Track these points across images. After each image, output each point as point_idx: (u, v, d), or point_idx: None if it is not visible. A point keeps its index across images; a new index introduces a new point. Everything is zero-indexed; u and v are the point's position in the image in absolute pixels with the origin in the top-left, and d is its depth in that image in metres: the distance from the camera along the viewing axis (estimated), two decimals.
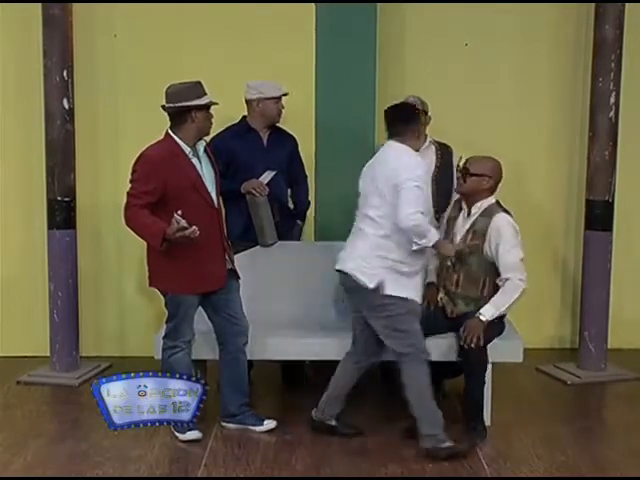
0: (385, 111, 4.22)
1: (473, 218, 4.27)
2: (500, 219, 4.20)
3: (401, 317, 4.02)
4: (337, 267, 4.17)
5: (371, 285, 3.98)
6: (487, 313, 4.15)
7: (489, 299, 4.21)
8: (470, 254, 4.23)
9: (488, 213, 4.23)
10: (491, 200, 4.29)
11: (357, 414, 4.57)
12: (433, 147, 4.95)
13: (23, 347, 5.63)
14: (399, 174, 3.94)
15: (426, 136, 4.89)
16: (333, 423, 4.30)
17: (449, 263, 4.31)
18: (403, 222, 3.90)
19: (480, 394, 4.23)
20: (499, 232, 4.16)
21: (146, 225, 3.95)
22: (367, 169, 4.20)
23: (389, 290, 3.98)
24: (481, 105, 5.58)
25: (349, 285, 4.12)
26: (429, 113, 4.88)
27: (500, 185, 4.34)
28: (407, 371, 4.04)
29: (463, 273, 4.27)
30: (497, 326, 4.25)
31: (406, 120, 4.15)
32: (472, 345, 4.11)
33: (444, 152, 4.96)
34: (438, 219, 4.99)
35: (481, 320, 4.14)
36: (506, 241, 4.16)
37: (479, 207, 4.27)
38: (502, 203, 4.32)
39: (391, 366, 4.23)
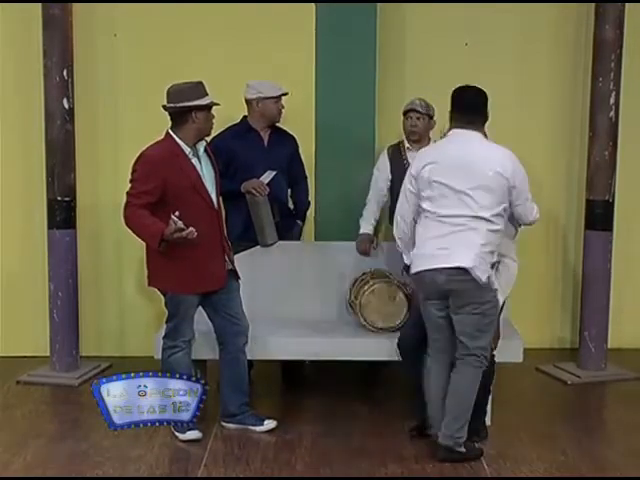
0: (459, 94, 3.99)
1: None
2: None
3: (494, 314, 3.96)
4: (443, 265, 3.85)
5: (484, 279, 3.83)
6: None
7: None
8: None
9: None
10: None
11: (357, 414, 4.58)
12: None
13: (23, 347, 5.63)
14: (512, 171, 3.85)
15: (429, 139, 4.89)
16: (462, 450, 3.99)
17: None
18: (535, 217, 3.98)
19: (485, 398, 4.20)
20: None
21: (145, 225, 3.94)
22: (449, 161, 3.88)
23: (495, 285, 3.92)
24: None
25: (456, 281, 3.84)
26: (434, 117, 4.87)
27: None
28: (466, 370, 3.92)
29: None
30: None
31: (484, 105, 3.97)
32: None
33: None
34: None
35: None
36: None
37: None
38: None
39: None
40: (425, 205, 3.94)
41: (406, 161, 4.84)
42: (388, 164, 4.91)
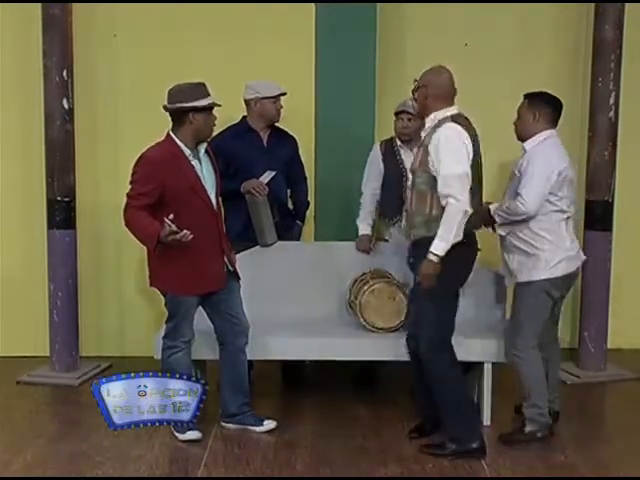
0: (557, 100, 4.27)
1: (424, 133, 4.01)
2: (443, 129, 3.87)
3: None
4: (583, 259, 4.29)
5: None
6: (436, 248, 3.78)
7: (440, 219, 3.83)
8: (418, 171, 3.96)
9: (437, 125, 3.92)
10: (447, 112, 3.95)
11: (357, 414, 4.58)
12: None
13: (23, 347, 5.63)
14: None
15: (420, 138, 4.88)
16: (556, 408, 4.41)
17: (409, 183, 4.13)
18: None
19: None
20: (439, 142, 3.83)
21: (142, 226, 3.94)
22: (567, 159, 4.18)
23: None
24: (481, 105, 5.56)
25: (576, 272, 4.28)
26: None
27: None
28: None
29: (415, 191, 3.98)
30: (456, 255, 3.83)
31: None
32: (426, 287, 3.86)
33: None
34: None
35: (430, 259, 3.79)
36: (442, 151, 3.81)
37: (433, 120, 3.97)
38: (462, 114, 3.99)
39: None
40: (562, 205, 4.11)
41: (399, 157, 4.88)
42: (381, 158, 4.92)
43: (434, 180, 3.86)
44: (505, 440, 4.18)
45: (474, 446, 4.00)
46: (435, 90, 3.97)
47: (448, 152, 3.81)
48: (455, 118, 3.92)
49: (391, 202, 4.89)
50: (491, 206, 4.23)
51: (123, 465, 3.93)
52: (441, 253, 3.78)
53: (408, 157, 4.85)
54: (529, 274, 4.13)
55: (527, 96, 4.33)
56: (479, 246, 4.09)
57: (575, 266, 4.20)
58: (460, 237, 3.80)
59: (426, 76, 4.04)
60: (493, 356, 4.40)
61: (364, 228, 4.94)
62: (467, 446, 3.99)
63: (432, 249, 3.79)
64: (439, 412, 4.08)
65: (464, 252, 3.90)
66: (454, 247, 3.80)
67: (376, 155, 4.94)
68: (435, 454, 4.01)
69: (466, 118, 3.99)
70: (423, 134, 4.02)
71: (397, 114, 4.85)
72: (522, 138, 4.28)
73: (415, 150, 4.15)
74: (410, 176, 4.11)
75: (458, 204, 3.77)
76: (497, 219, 4.19)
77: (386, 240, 4.95)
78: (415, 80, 4.09)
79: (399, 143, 4.89)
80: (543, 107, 4.22)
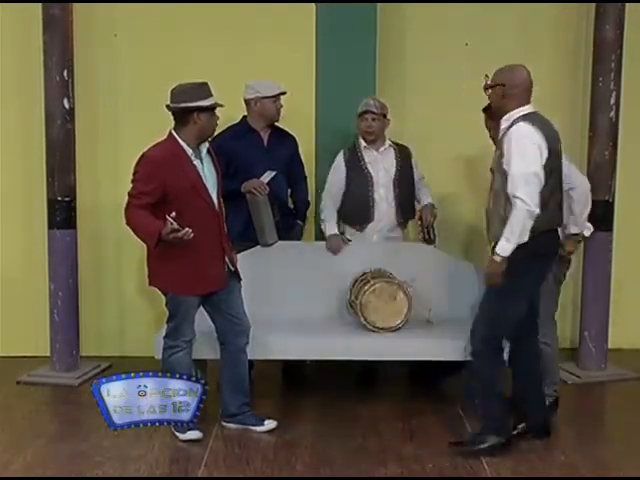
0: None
1: (501, 133, 3.93)
2: (514, 128, 3.81)
3: None
4: None
5: None
6: (500, 249, 3.78)
7: None
8: (495, 171, 3.95)
9: (511, 125, 3.86)
10: (522, 111, 3.88)
11: (357, 414, 4.57)
12: (392, 149, 4.97)
13: (23, 347, 5.63)
14: None
15: (385, 137, 4.97)
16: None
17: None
18: None
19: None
20: (510, 141, 3.79)
21: (143, 225, 3.94)
22: None
23: None
24: (481, 104, 5.57)
25: None
26: (388, 116, 4.91)
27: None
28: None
29: (493, 192, 3.97)
30: (527, 263, 3.83)
31: None
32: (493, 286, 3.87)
33: (403, 154, 4.99)
34: (404, 224, 5.00)
35: (493, 258, 3.80)
36: (512, 150, 3.77)
37: (506, 119, 3.91)
38: (537, 113, 3.91)
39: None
40: None
41: (362, 161, 4.91)
42: (344, 168, 4.94)
43: (507, 180, 3.82)
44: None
45: (501, 441, 4.02)
46: (512, 90, 3.90)
47: (516, 152, 3.76)
48: (527, 117, 3.85)
49: (359, 209, 4.93)
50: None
51: (123, 465, 3.93)
52: (504, 253, 3.77)
53: (373, 159, 4.90)
54: None
55: (485, 110, 4.39)
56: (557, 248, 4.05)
57: None
58: (525, 239, 3.75)
59: (503, 74, 3.94)
60: None
61: (332, 228, 4.95)
62: (494, 441, 4.02)
63: (497, 248, 3.80)
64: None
65: (530, 254, 3.83)
66: (519, 248, 3.76)
67: (340, 166, 4.96)
68: (470, 450, 4.01)
69: (542, 117, 3.92)
70: (500, 135, 3.97)
71: (361, 114, 4.87)
72: None
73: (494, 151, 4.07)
74: (490, 176, 4.06)
75: (523, 205, 3.71)
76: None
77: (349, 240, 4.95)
78: (486, 76, 4.01)
79: (363, 144, 4.92)
80: None
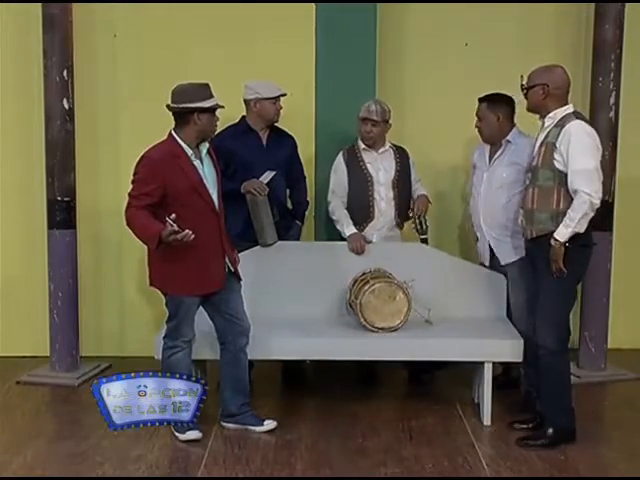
0: (512, 99, 4.60)
1: (546, 130, 4.07)
2: (572, 126, 3.96)
3: None
4: None
5: None
6: (559, 235, 3.93)
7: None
8: (541, 167, 4.04)
9: (561, 123, 4.01)
10: (567, 109, 4.06)
11: (357, 414, 4.57)
12: (391, 151, 4.98)
13: (23, 347, 5.63)
14: None
15: (385, 140, 4.97)
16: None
17: (527, 181, 4.19)
18: None
19: None
20: (569, 139, 3.93)
21: (143, 226, 3.93)
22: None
23: None
24: None
25: None
26: (390, 120, 4.92)
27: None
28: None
29: (537, 188, 4.06)
30: (579, 254, 4.01)
31: None
32: (557, 274, 3.98)
33: (401, 156, 5.00)
34: (401, 224, 5.00)
35: (554, 245, 3.94)
36: (575, 147, 3.91)
37: (553, 118, 4.06)
38: (581, 112, 4.15)
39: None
40: None
41: (362, 161, 4.91)
42: (345, 168, 4.94)
43: (561, 176, 3.96)
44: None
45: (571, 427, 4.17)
46: (555, 90, 4.06)
47: (579, 148, 3.91)
48: (580, 115, 4.06)
49: (359, 208, 4.92)
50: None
51: (123, 465, 3.93)
52: (561, 239, 3.92)
53: (373, 159, 4.91)
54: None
55: (484, 99, 4.61)
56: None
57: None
58: (583, 228, 3.92)
59: (544, 74, 4.09)
60: (493, 356, 4.40)
61: (349, 227, 4.90)
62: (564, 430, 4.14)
63: (555, 234, 3.94)
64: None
65: (582, 246, 4.00)
66: (576, 244, 3.94)
67: (341, 167, 4.96)
68: (535, 445, 4.11)
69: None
70: (542, 134, 4.09)
71: (361, 120, 4.87)
72: (490, 140, 4.63)
73: (536, 149, 4.12)
74: (529, 175, 4.16)
75: (587, 197, 3.88)
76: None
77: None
78: (522, 77, 4.15)
79: (362, 146, 4.93)
80: (504, 107, 4.57)
